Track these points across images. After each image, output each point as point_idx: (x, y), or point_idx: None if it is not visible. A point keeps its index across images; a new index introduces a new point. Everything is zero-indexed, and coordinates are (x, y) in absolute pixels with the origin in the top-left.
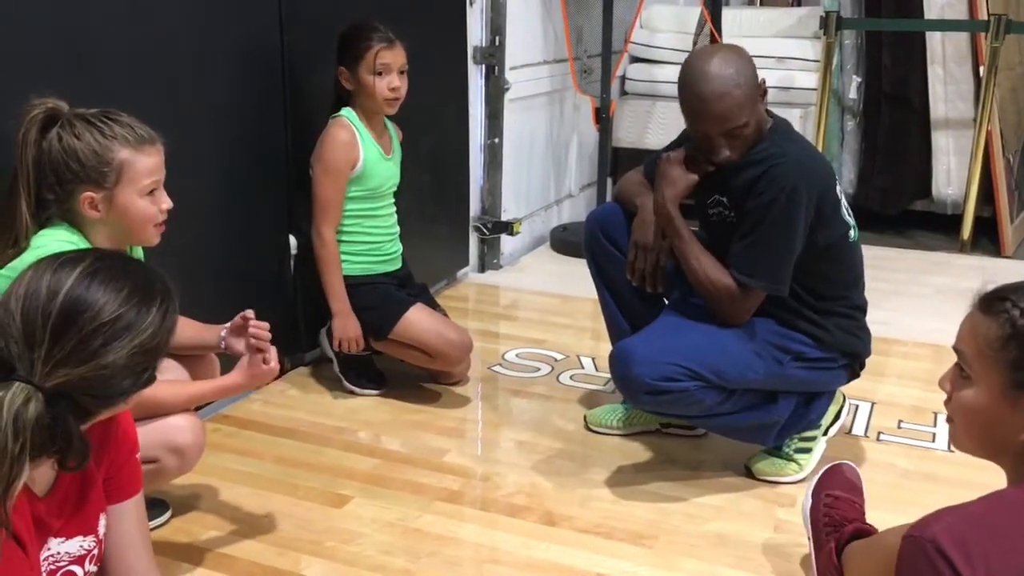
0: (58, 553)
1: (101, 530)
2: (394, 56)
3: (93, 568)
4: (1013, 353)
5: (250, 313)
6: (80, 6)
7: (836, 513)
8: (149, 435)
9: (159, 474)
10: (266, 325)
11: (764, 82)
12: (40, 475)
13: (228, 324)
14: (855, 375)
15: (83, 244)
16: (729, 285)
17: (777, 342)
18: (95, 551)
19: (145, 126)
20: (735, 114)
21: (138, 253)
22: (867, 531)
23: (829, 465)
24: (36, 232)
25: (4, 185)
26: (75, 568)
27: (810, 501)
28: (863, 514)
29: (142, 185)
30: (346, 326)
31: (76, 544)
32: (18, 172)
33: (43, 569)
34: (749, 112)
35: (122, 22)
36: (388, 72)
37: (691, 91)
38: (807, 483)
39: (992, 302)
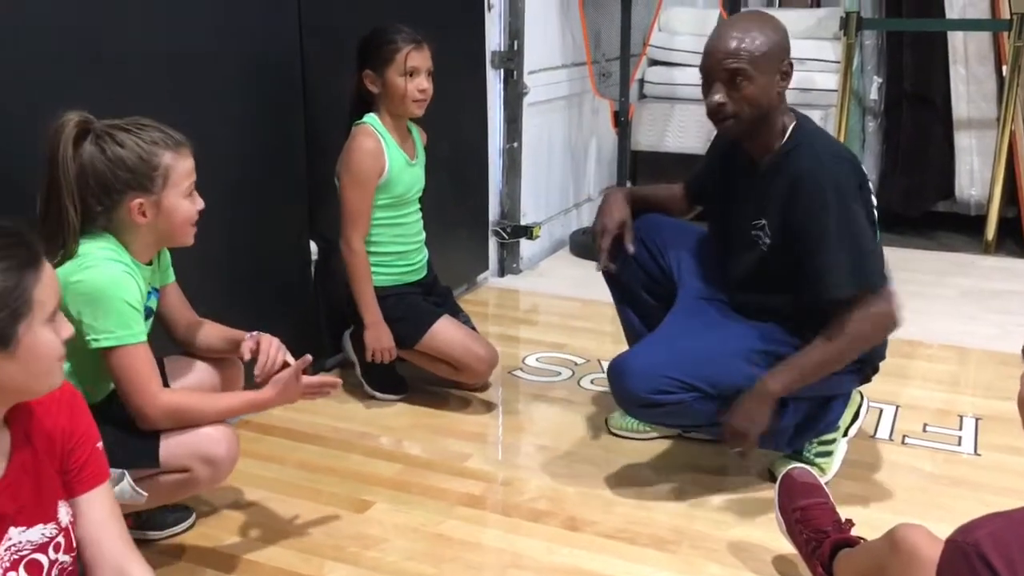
0: (20, 542)
1: (63, 518)
2: (423, 58)
3: (63, 557)
4: None
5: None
6: (99, 14)
7: (810, 525)
8: (182, 445)
9: (191, 483)
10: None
11: (789, 64)
12: None
13: (254, 333)
14: (867, 379)
15: (123, 254)
16: (858, 321)
17: (776, 349)
18: (59, 538)
19: (174, 130)
20: (740, 56)
21: (166, 259)
22: (845, 539)
23: (780, 479)
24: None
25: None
26: (39, 556)
27: (783, 523)
28: (833, 510)
29: (184, 187)
30: (379, 337)
31: (37, 532)
32: (60, 188)
33: (6, 559)
34: (758, 69)
35: (140, 29)
36: (417, 74)
37: (712, 32)
38: (774, 504)
39: None
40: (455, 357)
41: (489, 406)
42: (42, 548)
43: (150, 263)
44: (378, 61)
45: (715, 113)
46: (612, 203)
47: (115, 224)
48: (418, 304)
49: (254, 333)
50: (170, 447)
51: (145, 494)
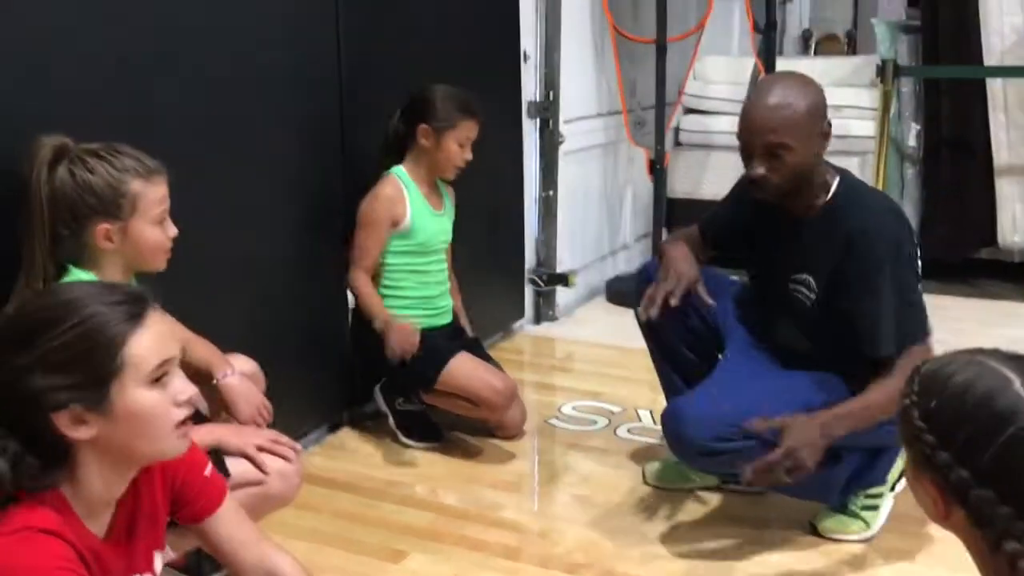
0: None
1: (157, 567)
2: (476, 131)
3: None
4: None
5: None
6: (146, 72)
7: None
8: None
9: (265, 497)
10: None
11: (830, 125)
12: (96, 512)
13: (227, 372)
14: None
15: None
16: (899, 387)
17: (830, 397)
18: None
19: (149, 157)
20: (777, 129)
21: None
22: None
23: None
24: (55, 275)
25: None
26: None
27: None
28: None
29: (153, 215)
30: (397, 335)
31: None
32: (32, 212)
33: None
34: (797, 138)
35: (181, 77)
36: (468, 144)
37: (748, 99)
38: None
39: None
40: (472, 390)
41: (524, 455)
42: None
43: None
44: (440, 122)
45: (755, 186)
46: (680, 257)
47: (83, 249)
48: (436, 343)
49: (228, 372)
50: (238, 462)
51: None
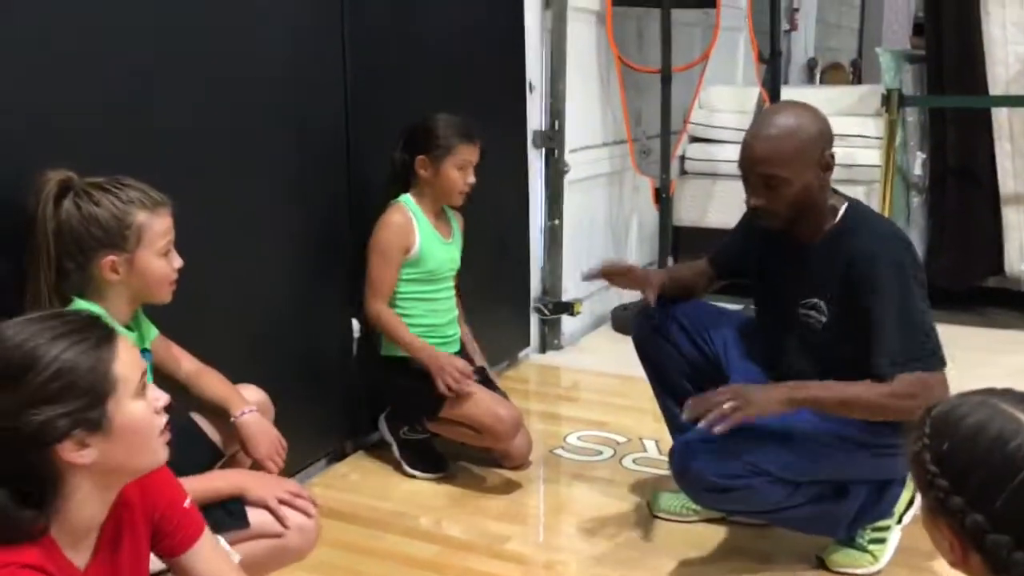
0: None
1: None
2: (476, 153)
3: None
4: None
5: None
6: (151, 90)
7: None
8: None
9: (282, 550)
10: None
11: (830, 156)
12: (79, 543)
13: (246, 410)
14: None
15: (101, 314)
16: (893, 392)
17: (842, 431)
18: None
19: (155, 189)
20: (772, 161)
21: (142, 318)
22: None
23: None
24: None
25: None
26: None
27: None
28: None
29: (159, 246)
30: (444, 364)
31: None
32: (38, 246)
33: None
34: (792, 170)
35: (186, 105)
36: (468, 168)
37: (748, 128)
38: None
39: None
40: (476, 419)
41: (530, 485)
42: None
43: (129, 327)
44: (436, 150)
45: (755, 215)
46: (654, 270)
47: (89, 282)
48: None
49: (246, 410)
50: (257, 512)
51: (239, 556)
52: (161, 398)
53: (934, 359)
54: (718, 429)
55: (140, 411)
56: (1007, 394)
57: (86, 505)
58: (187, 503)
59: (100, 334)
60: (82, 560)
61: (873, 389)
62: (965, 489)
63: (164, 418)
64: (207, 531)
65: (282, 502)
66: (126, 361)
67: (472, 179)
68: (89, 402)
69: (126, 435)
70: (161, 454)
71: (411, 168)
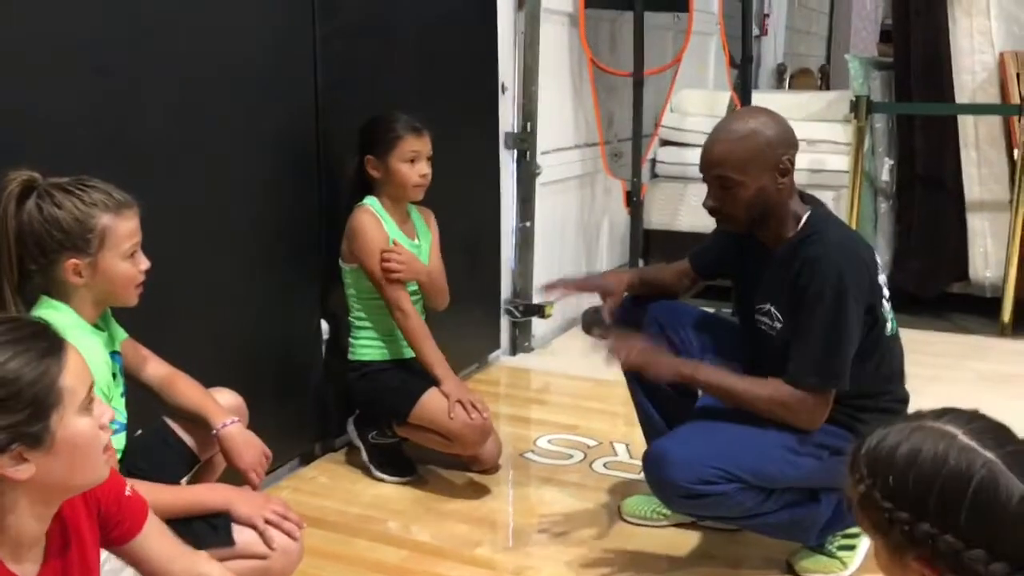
0: None
1: None
2: (423, 144)
3: None
4: None
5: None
6: (123, 100)
7: None
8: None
9: (264, 573)
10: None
11: (787, 160)
12: (22, 554)
13: (228, 421)
14: None
15: (70, 314)
16: (785, 397)
17: (816, 438)
18: None
19: (120, 191)
20: (724, 163)
21: (111, 321)
22: None
23: None
24: (24, 311)
25: None
26: None
27: None
28: None
29: (123, 249)
30: (458, 388)
31: None
32: (0, 247)
33: None
34: (745, 173)
35: (151, 107)
36: (418, 160)
37: (713, 129)
38: None
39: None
40: (445, 426)
41: (499, 490)
42: None
43: (98, 326)
44: (380, 148)
45: (715, 217)
46: (618, 273)
47: (54, 283)
48: (410, 377)
49: (227, 422)
50: (242, 531)
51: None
52: (107, 413)
53: (831, 381)
54: (613, 364)
55: (85, 427)
56: (928, 413)
57: (24, 520)
58: (128, 490)
59: (48, 344)
60: (31, 571)
61: (757, 386)
62: (927, 514)
63: (108, 434)
64: (151, 514)
65: (268, 522)
66: (74, 373)
67: (426, 170)
68: (31, 415)
69: (68, 451)
70: (103, 471)
71: (365, 171)
